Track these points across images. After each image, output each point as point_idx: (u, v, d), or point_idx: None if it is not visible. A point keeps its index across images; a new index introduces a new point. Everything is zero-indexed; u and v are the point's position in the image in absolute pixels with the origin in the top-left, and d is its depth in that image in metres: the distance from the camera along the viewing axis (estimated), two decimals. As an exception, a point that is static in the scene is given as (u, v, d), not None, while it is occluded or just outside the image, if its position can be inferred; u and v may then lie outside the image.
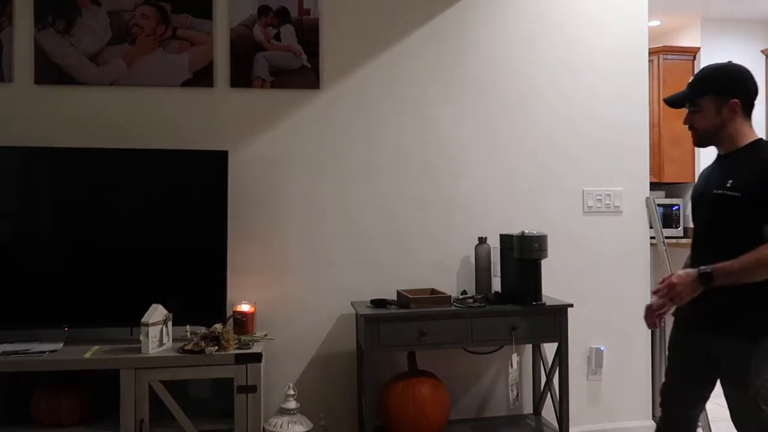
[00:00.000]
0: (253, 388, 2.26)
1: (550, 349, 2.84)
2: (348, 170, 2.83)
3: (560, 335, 2.57)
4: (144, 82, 2.66)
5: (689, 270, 1.78)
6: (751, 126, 1.85)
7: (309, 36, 2.77)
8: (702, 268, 1.74)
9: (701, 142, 1.91)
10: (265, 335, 2.53)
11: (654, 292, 1.85)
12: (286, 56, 2.76)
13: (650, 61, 5.04)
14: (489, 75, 2.95)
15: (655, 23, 5.14)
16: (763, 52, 5.07)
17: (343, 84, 2.82)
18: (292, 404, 2.48)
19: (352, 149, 2.83)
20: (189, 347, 2.26)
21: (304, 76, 2.77)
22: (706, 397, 1.96)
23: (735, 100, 1.80)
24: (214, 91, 2.72)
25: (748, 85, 1.83)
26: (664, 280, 1.81)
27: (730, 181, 1.78)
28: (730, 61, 1.92)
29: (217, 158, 2.51)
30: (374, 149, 2.85)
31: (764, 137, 5.01)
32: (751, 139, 1.83)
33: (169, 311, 2.34)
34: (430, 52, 2.90)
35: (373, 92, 2.85)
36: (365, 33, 2.84)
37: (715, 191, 1.82)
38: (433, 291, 2.69)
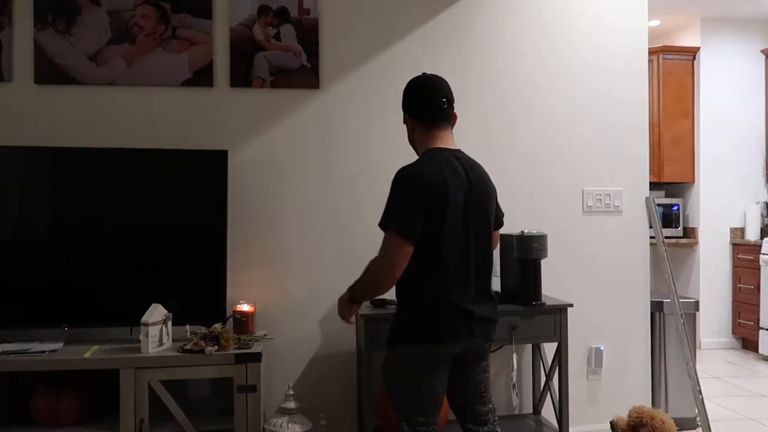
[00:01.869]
0: (252, 388, 2.26)
1: (549, 349, 2.84)
2: (348, 170, 2.83)
3: (560, 335, 2.57)
4: (144, 82, 2.66)
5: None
6: (435, 136, 1.88)
7: (309, 36, 2.77)
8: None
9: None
10: (265, 335, 2.52)
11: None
12: (286, 56, 2.76)
13: (650, 61, 5.04)
14: (489, 75, 2.95)
15: (655, 23, 5.14)
16: (762, 51, 5.07)
17: (343, 84, 2.82)
18: (291, 404, 2.48)
19: (352, 149, 2.83)
20: (189, 347, 2.26)
21: (304, 76, 2.77)
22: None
23: (405, 114, 1.93)
24: (213, 90, 2.72)
25: (412, 97, 1.91)
26: None
27: None
28: (424, 73, 1.97)
29: (217, 158, 2.51)
30: (374, 149, 2.85)
31: (764, 139, 5.03)
32: (423, 150, 1.90)
33: (169, 311, 2.33)
34: (429, 52, 2.89)
35: (372, 92, 2.85)
36: (365, 33, 2.84)
37: None
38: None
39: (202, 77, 2.69)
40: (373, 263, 1.87)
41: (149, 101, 2.68)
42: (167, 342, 2.32)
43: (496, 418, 1.99)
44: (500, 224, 2.06)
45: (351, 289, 1.95)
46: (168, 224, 2.48)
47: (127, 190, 2.47)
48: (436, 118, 1.89)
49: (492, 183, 1.95)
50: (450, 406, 2.00)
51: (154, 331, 2.26)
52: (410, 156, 2.95)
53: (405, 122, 1.98)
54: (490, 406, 1.97)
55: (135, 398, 2.19)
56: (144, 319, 2.25)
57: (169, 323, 2.33)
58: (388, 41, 2.86)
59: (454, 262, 1.81)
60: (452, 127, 1.94)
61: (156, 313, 2.28)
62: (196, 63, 2.69)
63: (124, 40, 2.65)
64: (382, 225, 1.79)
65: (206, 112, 2.72)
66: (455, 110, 1.95)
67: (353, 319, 2.02)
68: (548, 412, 2.84)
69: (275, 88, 2.76)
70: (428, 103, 1.89)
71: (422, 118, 1.90)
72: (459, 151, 1.93)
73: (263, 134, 2.76)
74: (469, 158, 1.93)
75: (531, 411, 2.95)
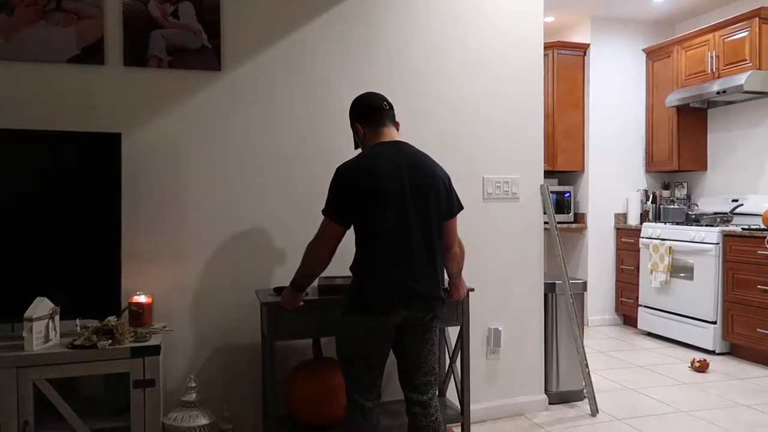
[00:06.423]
0: (151, 382, 2.17)
1: (453, 332, 2.95)
2: (250, 155, 2.76)
3: (462, 318, 2.66)
4: (24, 57, 2.44)
5: None
6: (379, 133, 2.15)
7: (209, 15, 2.66)
8: None
9: None
10: (164, 327, 2.43)
11: None
12: (185, 35, 2.63)
13: (545, 55, 5.31)
14: (396, 58, 2.98)
15: (550, 19, 5.41)
16: (644, 50, 5.48)
17: (246, 66, 2.74)
18: (193, 397, 2.40)
19: (255, 133, 2.77)
20: (79, 342, 2.12)
21: (205, 56, 2.66)
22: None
23: (356, 124, 2.21)
24: (105, 69, 2.55)
25: (360, 108, 2.20)
26: None
27: None
28: (369, 92, 2.26)
29: (110, 141, 2.36)
30: (278, 133, 2.80)
31: (644, 131, 5.44)
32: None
33: (58, 305, 2.18)
34: (336, 34, 2.87)
35: (276, 75, 2.79)
36: (270, 14, 2.77)
37: None
38: (338, 278, 2.70)
39: (92, 54, 2.51)
40: (310, 245, 2.16)
41: (31, 78, 2.46)
42: (54, 338, 2.17)
43: (436, 391, 2.17)
44: (451, 213, 2.17)
45: (293, 279, 2.22)
46: (56, 212, 2.30)
47: (9, 174, 2.26)
48: (382, 117, 2.16)
49: (439, 172, 2.13)
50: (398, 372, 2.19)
51: (39, 327, 2.10)
52: (312, 141, 2.94)
53: (356, 132, 2.21)
54: (431, 378, 2.14)
55: (18, 399, 2.04)
56: (27, 314, 2.08)
57: (57, 317, 2.18)
58: (294, 23, 2.81)
59: (391, 241, 2.02)
60: (396, 126, 2.21)
61: (41, 307, 2.12)
62: (84, 39, 2.50)
63: (1, 9, 2.41)
64: (323, 211, 2.11)
65: (97, 92, 2.54)
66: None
67: (300, 303, 2.30)
68: (453, 394, 2.95)
69: (174, 69, 2.63)
70: (372, 107, 2.18)
71: (369, 120, 2.17)
72: (402, 143, 2.14)
73: (161, 117, 2.63)
74: (412, 149, 2.14)
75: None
